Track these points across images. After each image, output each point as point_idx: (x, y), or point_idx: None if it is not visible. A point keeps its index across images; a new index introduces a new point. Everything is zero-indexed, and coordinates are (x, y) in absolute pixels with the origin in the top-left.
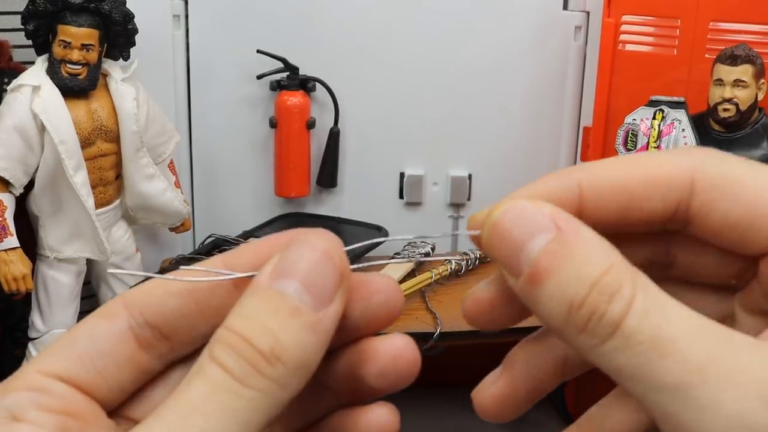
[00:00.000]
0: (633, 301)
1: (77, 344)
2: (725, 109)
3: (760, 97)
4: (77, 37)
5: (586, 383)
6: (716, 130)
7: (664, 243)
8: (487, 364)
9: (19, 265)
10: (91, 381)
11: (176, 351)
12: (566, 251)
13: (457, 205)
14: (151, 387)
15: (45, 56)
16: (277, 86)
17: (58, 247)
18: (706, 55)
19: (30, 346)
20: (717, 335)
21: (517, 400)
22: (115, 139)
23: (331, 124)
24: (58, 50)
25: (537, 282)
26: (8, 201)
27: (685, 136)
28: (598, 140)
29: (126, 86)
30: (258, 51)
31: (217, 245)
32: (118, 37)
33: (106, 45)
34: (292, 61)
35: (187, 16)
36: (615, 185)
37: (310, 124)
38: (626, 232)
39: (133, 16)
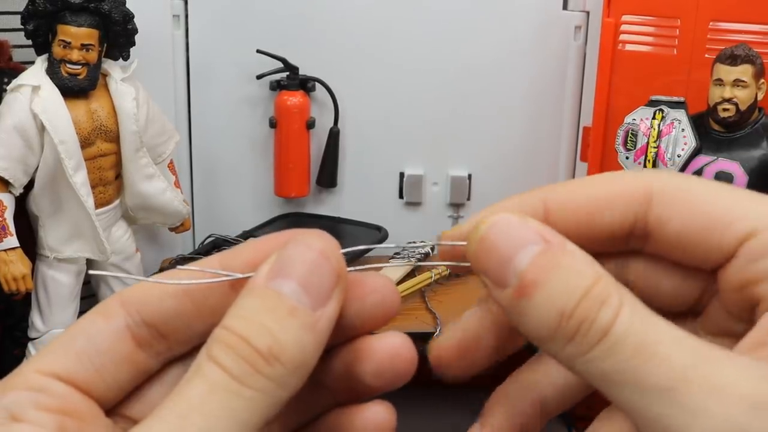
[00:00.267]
0: (621, 309)
1: (75, 343)
2: (725, 109)
3: (760, 96)
4: (77, 37)
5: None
6: (716, 130)
7: (622, 269)
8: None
9: (19, 265)
10: (89, 380)
11: (173, 350)
12: (555, 263)
13: (456, 205)
14: (148, 385)
15: (45, 56)
16: (276, 86)
17: (58, 247)
18: (706, 55)
19: (30, 345)
20: (698, 346)
21: None
22: (115, 139)
23: (331, 124)
24: (57, 50)
25: (525, 294)
26: (8, 201)
27: (684, 136)
28: (598, 140)
29: (126, 86)
30: (258, 51)
31: (216, 245)
32: (118, 37)
33: (105, 45)
34: (291, 61)
35: (186, 16)
36: (577, 202)
37: (310, 124)
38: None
39: (133, 16)
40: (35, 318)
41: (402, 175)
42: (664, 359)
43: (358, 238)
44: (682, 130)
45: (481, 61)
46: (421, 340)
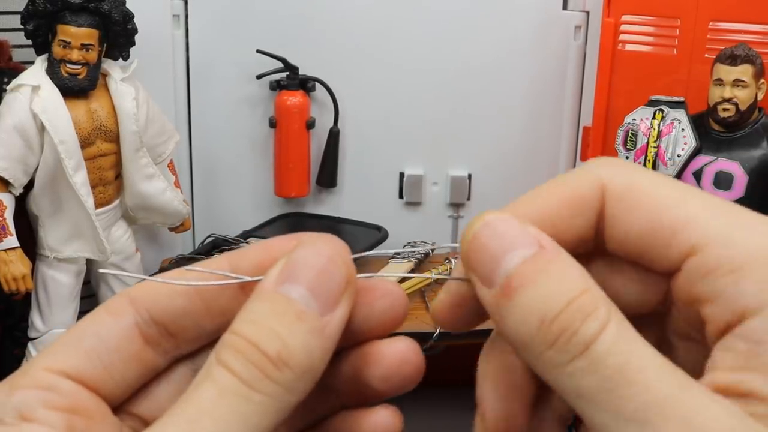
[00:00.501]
0: (607, 325)
1: (84, 341)
2: (725, 109)
3: (760, 96)
4: (77, 36)
5: None
6: (716, 129)
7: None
8: None
9: (19, 264)
10: (98, 377)
11: (181, 348)
12: (543, 268)
13: (456, 205)
14: (155, 383)
15: (45, 56)
16: (276, 86)
17: (58, 247)
18: (706, 55)
19: (30, 345)
20: (678, 378)
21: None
22: (115, 138)
23: (331, 124)
24: (57, 50)
25: (509, 294)
26: (8, 201)
27: (684, 136)
28: (598, 140)
29: (126, 86)
30: (258, 51)
31: (216, 245)
32: (118, 36)
33: (105, 45)
34: (291, 60)
35: (186, 16)
36: (540, 216)
37: (310, 124)
38: None
39: (133, 16)
40: (35, 318)
41: (402, 175)
42: (643, 388)
43: (358, 238)
44: (682, 130)
45: (481, 61)
46: (421, 339)
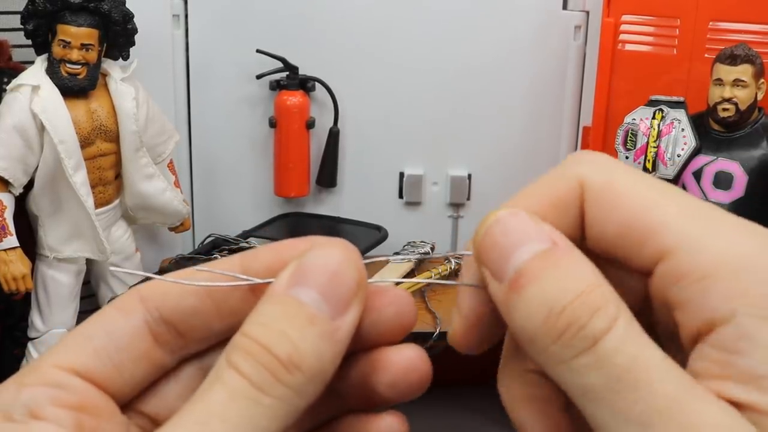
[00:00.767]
0: (616, 322)
1: (93, 338)
2: (725, 109)
3: (760, 96)
4: (77, 36)
5: None
6: (716, 129)
7: None
8: (487, 364)
9: (19, 264)
10: (107, 375)
11: (190, 347)
12: (555, 263)
13: (456, 205)
14: (163, 382)
15: (44, 56)
16: (276, 86)
17: (58, 247)
18: (706, 55)
19: (29, 345)
20: (683, 380)
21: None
22: (115, 138)
23: (331, 124)
24: (57, 50)
25: (518, 288)
26: (8, 201)
27: (684, 136)
28: (598, 140)
29: (125, 86)
30: (257, 51)
31: (216, 245)
32: (118, 36)
33: (105, 45)
34: (291, 60)
35: (186, 16)
36: (538, 213)
37: (310, 124)
38: None
39: (133, 16)
40: (35, 318)
41: (402, 175)
42: (650, 390)
43: (358, 238)
44: (682, 129)
45: (481, 61)
46: (421, 340)
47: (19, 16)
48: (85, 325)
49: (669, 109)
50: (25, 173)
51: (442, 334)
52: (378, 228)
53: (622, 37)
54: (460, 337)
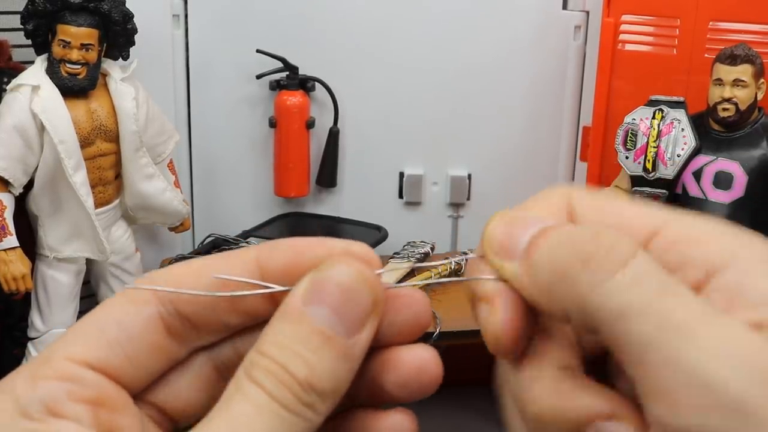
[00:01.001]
0: (639, 248)
1: (106, 330)
2: (725, 109)
3: (760, 96)
4: (77, 36)
5: None
6: (716, 129)
7: None
8: (487, 363)
9: (19, 264)
10: (120, 367)
11: (202, 339)
12: (561, 227)
13: (456, 205)
14: (173, 372)
15: (44, 56)
16: (276, 86)
17: (58, 247)
18: (706, 55)
19: (29, 345)
20: (701, 301)
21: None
22: (115, 138)
23: (331, 124)
24: (57, 50)
25: (536, 246)
26: (8, 201)
27: (684, 136)
28: (598, 140)
29: (125, 86)
30: (257, 50)
31: (216, 245)
32: (118, 36)
33: (105, 44)
34: (291, 60)
35: (186, 16)
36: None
37: (310, 124)
38: None
39: (133, 16)
40: (35, 318)
41: (402, 174)
42: (685, 301)
43: (358, 238)
44: (682, 129)
45: (481, 61)
46: (421, 340)
47: (19, 16)
48: (94, 316)
49: (669, 109)
50: (25, 173)
51: (443, 334)
52: (378, 228)
53: (622, 37)
54: (508, 339)
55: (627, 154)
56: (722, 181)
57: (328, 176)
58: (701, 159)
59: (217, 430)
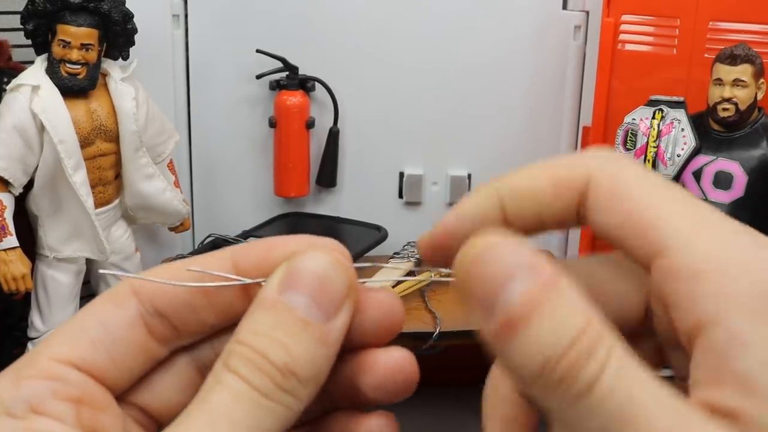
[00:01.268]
0: (607, 362)
1: (89, 330)
2: (725, 109)
3: (760, 96)
4: (76, 36)
5: None
6: (716, 129)
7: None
8: (487, 363)
9: (19, 264)
10: (104, 367)
11: (182, 339)
12: (544, 301)
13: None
14: (154, 373)
15: (44, 56)
16: (276, 86)
17: (58, 247)
18: (706, 55)
19: (29, 345)
20: (679, 408)
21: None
22: (115, 138)
23: (331, 124)
24: (57, 50)
25: (512, 331)
26: (8, 201)
27: (684, 136)
28: (598, 140)
29: (125, 86)
30: (257, 50)
31: (216, 245)
32: (118, 36)
33: (105, 44)
34: (291, 60)
35: (186, 16)
36: (527, 194)
37: (310, 124)
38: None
39: (133, 16)
40: (35, 318)
41: (402, 174)
42: (645, 423)
43: (357, 238)
44: (682, 129)
45: (481, 61)
46: (421, 340)
47: (19, 16)
48: (77, 318)
49: (669, 109)
50: (24, 173)
51: (442, 334)
52: (378, 228)
53: (622, 37)
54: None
55: (627, 154)
56: (722, 181)
57: (328, 176)
58: (701, 159)
59: (197, 421)
